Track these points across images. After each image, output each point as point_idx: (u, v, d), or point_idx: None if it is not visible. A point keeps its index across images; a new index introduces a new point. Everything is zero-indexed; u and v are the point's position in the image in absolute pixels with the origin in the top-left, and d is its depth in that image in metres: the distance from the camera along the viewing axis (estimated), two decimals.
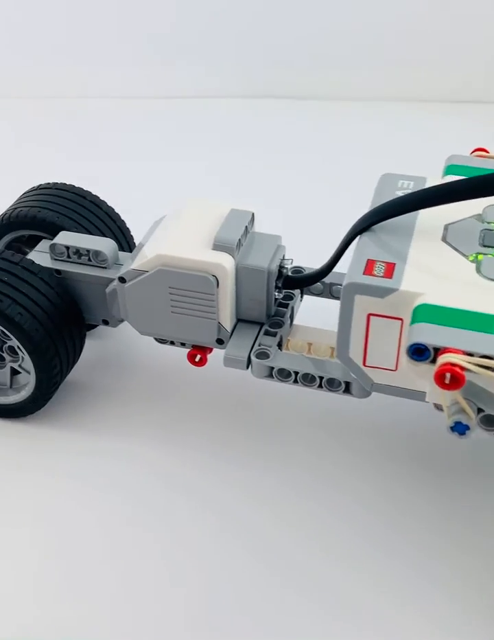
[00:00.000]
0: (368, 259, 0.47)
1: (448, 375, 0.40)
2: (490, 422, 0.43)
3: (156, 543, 0.53)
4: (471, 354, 0.40)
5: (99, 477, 0.57)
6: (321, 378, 0.53)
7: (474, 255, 0.47)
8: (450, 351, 0.40)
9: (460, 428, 0.42)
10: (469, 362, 0.40)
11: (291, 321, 0.59)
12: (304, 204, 0.88)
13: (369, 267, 0.47)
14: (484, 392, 0.43)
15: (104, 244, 0.58)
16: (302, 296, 0.61)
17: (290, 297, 0.59)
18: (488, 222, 0.50)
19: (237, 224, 0.54)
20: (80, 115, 1.10)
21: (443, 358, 0.40)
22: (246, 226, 0.54)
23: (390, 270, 0.46)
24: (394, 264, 0.47)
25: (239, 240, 0.53)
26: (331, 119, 1.09)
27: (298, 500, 0.56)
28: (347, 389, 0.53)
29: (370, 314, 0.47)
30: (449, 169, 0.56)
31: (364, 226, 0.50)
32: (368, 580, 0.51)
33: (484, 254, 0.47)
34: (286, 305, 0.58)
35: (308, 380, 0.54)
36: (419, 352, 0.41)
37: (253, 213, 0.55)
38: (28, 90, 1.13)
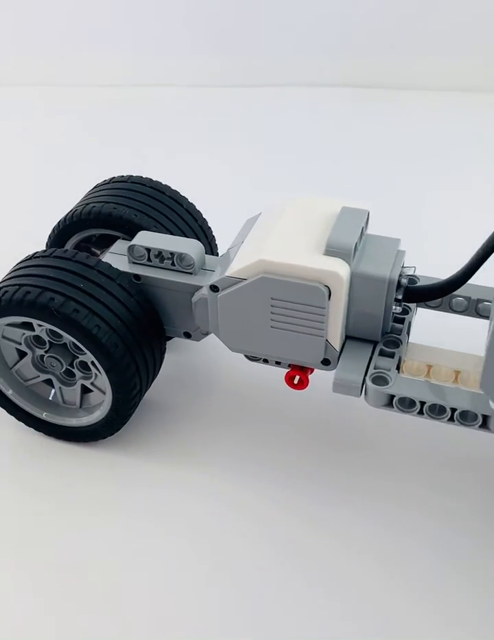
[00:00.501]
0: None
1: None
2: None
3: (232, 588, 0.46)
4: None
5: (174, 515, 0.50)
6: (454, 410, 0.45)
7: None
8: None
9: None
10: None
11: (407, 338, 0.51)
12: (415, 201, 0.79)
13: None
14: None
15: (190, 246, 0.50)
16: (416, 310, 0.53)
17: (406, 311, 0.50)
18: None
19: (352, 224, 0.45)
20: (143, 104, 1.03)
21: None
22: (362, 228, 0.46)
23: None
24: None
25: (356, 243, 0.45)
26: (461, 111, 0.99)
27: (385, 540, 0.48)
28: (484, 424, 0.44)
29: None
30: None
31: None
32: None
33: None
34: (402, 321, 0.50)
35: (436, 412, 0.45)
36: None
37: (368, 212, 0.47)
38: (86, 78, 1.06)
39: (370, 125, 0.95)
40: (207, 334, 0.52)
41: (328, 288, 0.44)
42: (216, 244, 0.60)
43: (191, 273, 0.50)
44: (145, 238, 0.51)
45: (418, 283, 0.51)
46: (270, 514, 0.50)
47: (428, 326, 0.54)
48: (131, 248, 0.51)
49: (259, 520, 0.50)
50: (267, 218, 0.49)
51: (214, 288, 0.47)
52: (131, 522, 0.49)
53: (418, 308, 0.53)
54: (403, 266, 0.47)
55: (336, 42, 1.05)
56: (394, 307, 0.47)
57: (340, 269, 0.44)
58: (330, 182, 0.81)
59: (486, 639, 0.43)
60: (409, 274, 0.52)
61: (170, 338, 0.59)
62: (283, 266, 0.44)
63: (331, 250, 0.44)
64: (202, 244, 0.51)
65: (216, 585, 0.46)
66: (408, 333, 0.50)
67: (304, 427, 0.55)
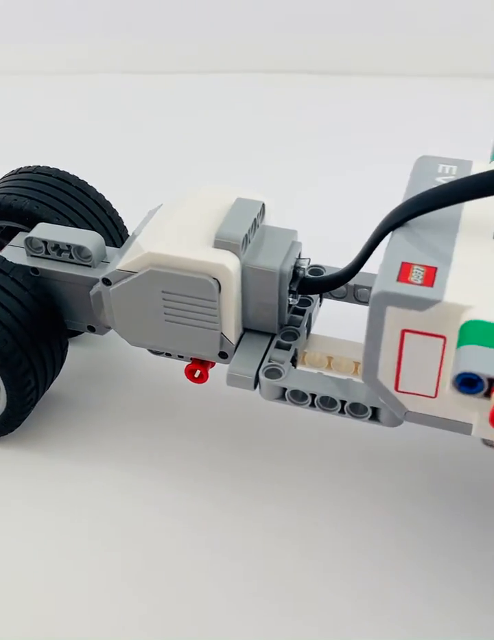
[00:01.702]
0: (403, 262, 0.38)
1: None
2: None
3: (155, 576, 0.46)
4: None
5: (84, 507, 0.49)
6: (343, 402, 0.44)
7: None
8: None
9: None
10: None
11: (309, 330, 0.50)
12: (325, 192, 0.78)
13: (404, 272, 0.38)
14: None
15: (88, 238, 0.49)
16: (321, 301, 0.52)
17: (307, 302, 0.50)
18: None
19: (244, 216, 0.45)
20: (68, 92, 1.00)
21: None
22: (255, 219, 0.45)
23: (430, 276, 0.37)
24: (436, 268, 0.37)
25: (246, 235, 0.44)
26: (355, 94, 0.99)
27: (298, 525, 0.48)
28: (374, 416, 0.44)
29: (404, 330, 0.38)
30: None
31: (398, 220, 0.41)
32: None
33: None
34: (302, 312, 0.49)
35: (327, 404, 0.45)
36: (469, 383, 0.32)
37: (264, 204, 0.47)
38: (7, 65, 1.03)
39: (294, 111, 0.95)
40: (110, 327, 0.52)
41: (217, 280, 0.44)
42: (128, 235, 0.59)
43: (89, 266, 0.49)
44: (43, 230, 0.50)
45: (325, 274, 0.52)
46: (178, 504, 0.50)
47: (334, 317, 0.54)
48: (28, 241, 0.50)
49: (167, 511, 0.49)
50: (166, 209, 0.49)
51: (106, 281, 0.46)
52: (31, 517, 0.49)
53: (324, 299, 0.53)
54: (298, 258, 0.47)
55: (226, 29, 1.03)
56: (290, 298, 0.47)
57: (228, 262, 0.43)
58: (252, 171, 0.80)
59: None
60: (312, 266, 0.52)
61: (78, 333, 0.59)
62: (171, 259, 0.44)
63: (220, 243, 0.44)
64: (100, 236, 0.50)
65: (122, 576, 0.46)
66: (309, 325, 0.50)
67: (211, 419, 0.55)
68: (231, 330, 0.46)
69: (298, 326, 0.48)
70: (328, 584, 0.46)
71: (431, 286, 0.37)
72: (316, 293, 0.49)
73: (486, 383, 0.32)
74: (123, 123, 0.93)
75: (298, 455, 0.53)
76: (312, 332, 0.51)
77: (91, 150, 0.84)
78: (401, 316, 0.37)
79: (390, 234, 0.41)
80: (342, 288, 0.51)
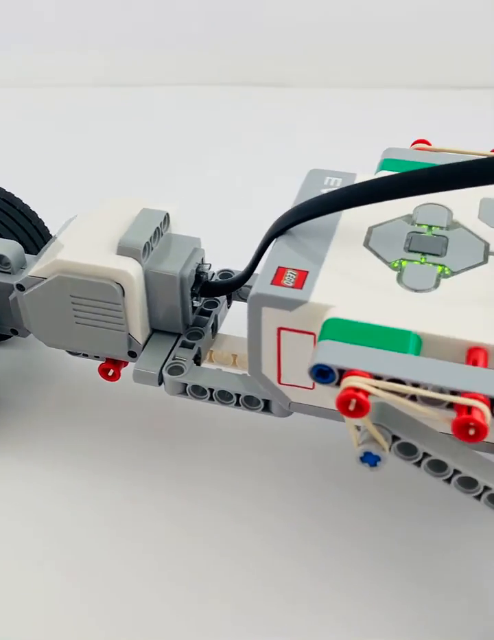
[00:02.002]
0: (279, 267, 0.42)
1: (353, 401, 0.35)
2: (407, 451, 0.39)
3: (90, 576, 0.49)
4: (378, 377, 0.36)
5: (19, 506, 0.53)
6: (238, 395, 0.48)
7: (397, 261, 0.42)
8: (355, 374, 0.36)
9: (370, 459, 0.37)
10: (375, 387, 0.35)
11: (215, 330, 0.54)
12: (238, 202, 0.82)
13: (278, 276, 0.41)
14: (400, 416, 0.39)
15: (6, 247, 0.52)
16: (229, 303, 0.56)
17: (214, 304, 0.54)
18: (419, 224, 0.45)
19: (147, 225, 0.49)
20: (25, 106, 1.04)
21: (346, 382, 0.35)
22: (157, 228, 0.49)
23: (301, 279, 0.41)
24: (307, 272, 0.42)
25: (147, 243, 0.48)
26: (265, 105, 1.02)
27: (205, 517, 0.52)
28: (267, 408, 0.48)
29: (280, 328, 0.42)
30: (384, 164, 0.51)
31: (281, 228, 0.45)
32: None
33: (409, 260, 0.42)
34: (209, 314, 0.53)
35: (225, 397, 0.49)
36: (323, 374, 0.36)
37: (167, 214, 0.50)
38: None
39: (210, 123, 0.99)
40: None
41: (120, 285, 0.47)
42: None
43: (9, 273, 0.53)
44: None
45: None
46: (105, 497, 0.53)
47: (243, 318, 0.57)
48: None
49: (95, 504, 0.53)
50: (79, 219, 0.52)
51: (20, 287, 0.50)
52: None
53: (233, 301, 0.57)
54: (201, 263, 0.51)
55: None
56: (193, 301, 0.51)
57: (130, 268, 0.47)
58: (175, 182, 0.85)
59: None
60: (223, 270, 0.56)
61: (4, 337, 0.62)
62: (78, 266, 0.47)
63: (123, 250, 0.48)
64: (19, 245, 0.53)
65: (57, 575, 0.49)
66: (216, 325, 0.54)
67: (133, 416, 0.59)
68: (138, 331, 0.50)
69: (203, 326, 0.52)
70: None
71: (301, 288, 0.41)
72: (217, 296, 0.52)
73: (336, 373, 0.36)
74: (51, 137, 0.96)
75: (215, 453, 0.56)
76: (220, 331, 0.55)
77: (19, 162, 0.87)
78: (275, 315, 0.41)
79: (274, 240, 0.45)
80: (249, 289, 0.55)
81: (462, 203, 0.46)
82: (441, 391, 0.34)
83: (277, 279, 0.41)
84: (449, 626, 0.46)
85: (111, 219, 0.51)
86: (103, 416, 0.59)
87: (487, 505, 0.38)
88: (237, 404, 0.48)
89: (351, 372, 0.35)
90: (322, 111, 1.02)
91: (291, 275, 0.42)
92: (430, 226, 0.44)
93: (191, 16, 1.06)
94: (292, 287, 0.41)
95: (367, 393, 0.35)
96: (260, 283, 0.41)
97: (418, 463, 0.38)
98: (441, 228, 0.44)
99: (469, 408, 0.34)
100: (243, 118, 0.99)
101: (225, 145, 0.93)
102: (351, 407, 0.35)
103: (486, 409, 0.34)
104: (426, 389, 0.35)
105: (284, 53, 1.07)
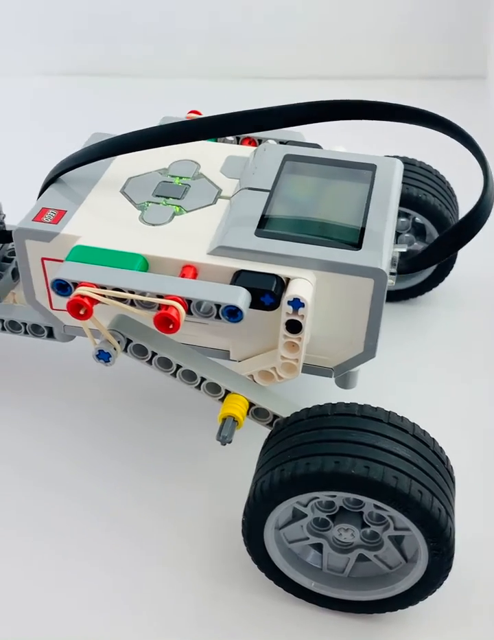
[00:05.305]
0: (43, 208, 0.50)
1: (82, 307, 0.43)
2: (140, 351, 0.48)
3: None
4: (104, 288, 0.44)
5: None
6: (25, 324, 0.56)
7: (145, 203, 0.51)
8: (85, 285, 0.44)
9: (103, 356, 0.46)
10: (98, 294, 0.44)
11: (16, 275, 0.61)
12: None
13: (40, 214, 0.50)
14: (134, 324, 0.48)
15: None
16: None
17: None
18: (171, 175, 0.54)
19: None
20: None
21: (77, 291, 0.44)
22: None
23: (59, 216, 0.50)
24: (65, 211, 0.50)
25: None
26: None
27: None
28: (51, 334, 0.56)
29: (43, 259, 0.50)
30: None
31: (53, 176, 0.53)
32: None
33: (153, 203, 0.51)
34: (10, 260, 0.61)
35: (15, 327, 0.56)
36: (62, 288, 0.45)
37: None
38: None
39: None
40: None
41: None
42: None
43: None
44: None
45: None
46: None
47: None
48: None
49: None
50: None
51: None
52: None
53: None
54: None
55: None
56: None
57: None
58: None
59: None
60: None
61: None
62: None
63: None
64: None
65: None
66: (16, 270, 0.61)
67: None
68: None
69: (4, 271, 0.60)
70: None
71: (57, 223, 0.49)
72: (10, 241, 0.60)
73: (72, 287, 0.45)
74: None
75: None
76: None
77: None
78: (37, 247, 0.49)
79: (47, 188, 0.53)
80: None
81: (210, 159, 0.55)
82: (149, 295, 0.43)
83: (39, 216, 0.49)
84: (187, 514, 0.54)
85: None
86: None
87: (206, 393, 0.48)
88: (25, 332, 0.56)
89: (82, 284, 0.44)
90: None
91: (51, 213, 0.50)
92: (179, 177, 0.54)
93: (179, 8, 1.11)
94: (50, 222, 0.49)
95: (92, 300, 0.43)
96: (24, 220, 0.49)
97: (150, 362, 0.48)
98: (188, 178, 0.54)
99: (168, 307, 0.43)
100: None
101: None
102: (81, 311, 0.43)
103: (180, 307, 0.43)
104: (142, 295, 0.44)
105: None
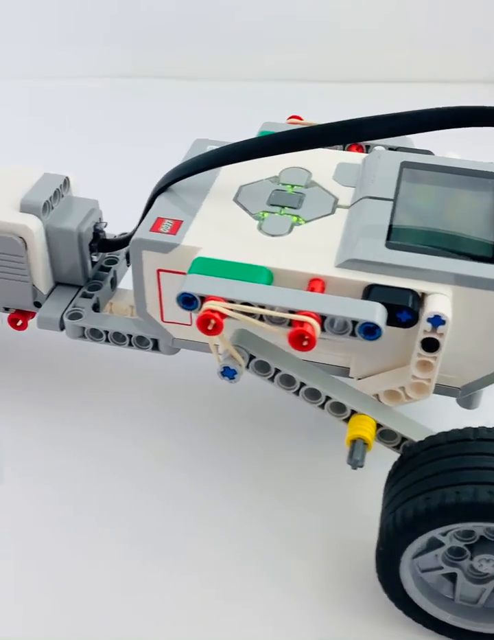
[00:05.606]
0: (158, 217, 0.49)
1: (212, 321, 0.42)
2: (262, 368, 0.46)
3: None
4: (232, 302, 0.42)
5: None
6: (130, 336, 0.54)
7: (260, 213, 0.49)
8: (213, 299, 0.42)
9: (228, 373, 0.44)
10: (229, 309, 0.42)
11: (114, 284, 0.60)
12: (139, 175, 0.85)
13: (157, 224, 0.48)
14: (256, 339, 0.46)
15: None
16: (128, 262, 0.62)
17: (114, 261, 0.60)
18: (282, 183, 0.52)
19: (47, 187, 0.55)
20: None
21: (205, 305, 0.42)
22: (57, 190, 0.55)
23: (176, 227, 0.48)
24: (182, 221, 0.48)
25: (47, 201, 0.54)
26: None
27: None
28: (156, 346, 0.55)
29: (159, 270, 0.48)
30: (262, 135, 0.58)
31: (163, 185, 0.51)
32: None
33: (270, 212, 0.49)
34: (108, 269, 0.60)
35: (119, 338, 0.55)
36: (188, 301, 0.43)
37: (67, 177, 0.56)
38: None
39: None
40: None
41: (22, 239, 0.53)
42: None
43: None
44: None
45: None
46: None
47: None
48: None
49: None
50: None
51: None
52: None
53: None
54: (98, 222, 0.57)
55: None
56: (92, 256, 0.57)
57: (31, 223, 0.53)
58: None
59: None
60: (123, 234, 0.62)
61: None
62: None
63: (25, 207, 0.53)
64: None
65: None
66: (115, 280, 0.60)
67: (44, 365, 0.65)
68: (41, 283, 0.56)
69: (103, 280, 0.58)
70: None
71: (175, 234, 0.47)
72: (113, 250, 0.58)
73: (199, 301, 0.43)
74: None
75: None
76: (120, 286, 0.61)
77: None
78: (154, 258, 0.47)
79: (157, 197, 0.52)
80: None
81: (321, 166, 0.53)
82: (282, 310, 0.41)
83: (155, 227, 0.48)
84: (299, 534, 0.53)
85: (13, 182, 0.56)
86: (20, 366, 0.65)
87: (330, 413, 0.46)
88: (130, 344, 0.55)
89: (209, 298, 0.42)
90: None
91: (167, 223, 0.48)
92: (292, 185, 0.52)
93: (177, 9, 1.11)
94: (168, 233, 0.47)
95: (222, 315, 0.42)
96: (141, 230, 0.48)
97: (272, 379, 0.46)
98: (300, 187, 0.52)
99: (302, 323, 0.41)
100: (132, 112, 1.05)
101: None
102: (210, 327, 0.42)
103: (316, 324, 0.41)
104: (272, 309, 0.42)
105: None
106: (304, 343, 0.41)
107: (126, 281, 0.62)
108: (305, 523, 0.53)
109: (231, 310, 0.42)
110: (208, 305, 0.42)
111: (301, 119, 0.62)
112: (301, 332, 0.40)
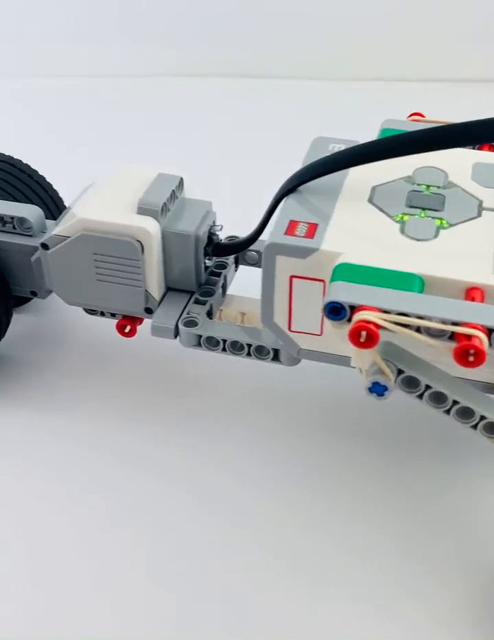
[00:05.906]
0: (291, 220, 0.45)
1: (364, 333, 0.39)
2: (410, 384, 0.42)
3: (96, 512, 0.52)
4: (386, 312, 0.39)
5: (27, 456, 0.56)
6: (249, 345, 0.51)
7: (400, 215, 0.46)
8: (365, 309, 0.39)
9: (377, 389, 0.41)
10: (384, 319, 0.38)
11: (224, 290, 0.57)
12: (248, 176, 0.85)
13: (291, 228, 0.45)
14: (404, 352, 0.42)
15: (28, 211, 0.55)
16: (237, 266, 0.59)
17: (223, 266, 0.57)
18: (418, 184, 0.49)
19: (163, 188, 0.52)
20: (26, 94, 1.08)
21: (358, 316, 0.39)
22: (173, 191, 0.52)
23: (312, 230, 0.45)
24: (317, 224, 0.45)
25: (165, 203, 0.51)
26: (267, 96, 1.07)
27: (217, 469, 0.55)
28: (276, 357, 0.51)
29: (292, 276, 0.45)
30: (384, 133, 0.55)
31: (290, 187, 0.48)
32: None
33: (410, 215, 0.46)
34: (219, 274, 0.57)
35: (237, 348, 0.52)
36: (335, 311, 0.40)
37: (182, 178, 0.54)
38: None
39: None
40: (51, 291, 0.58)
41: (140, 242, 0.51)
42: None
43: (30, 235, 0.56)
44: None
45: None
46: (129, 445, 0.56)
47: (249, 281, 0.60)
48: None
49: (121, 453, 0.56)
50: (97, 184, 0.55)
51: (44, 246, 0.53)
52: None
53: (240, 265, 0.60)
54: (212, 225, 0.54)
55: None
56: (206, 260, 0.54)
57: (149, 226, 0.50)
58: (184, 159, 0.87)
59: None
60: (231, 236, 0.59)
61: (27, 300, 0.65)
62: (100, 224, 0.51)
63: (143, 209, 0.51)
64: (40, 209, 0.57)
65: (85, 522, 0.52)
66: (225, 285, 0.57)
67: (149, 371, 0.62)
68: (154, 288, 0.53)
69: (214, 286, 0.55)
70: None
71: (312, 238, 0.44)
72: (228, 255, 0.56)
73: (348, 310, 0.40)
74: (64, 119, 1.01)
75: (222, 409, 0.60)
76: (228, 292, 0.58)
77: (37, 140, 0.91)
78: (289, 264, 0.44)
79: (284, 200, 0.49)
80: (255, 255, 0.59)
81: (457, 166, 0.50)
82: (443, 322, 0.38)
83: (290, 230, 0.45)
84: (438, 556, 0.49)
85: (128, 183, 0.54)
86: (116, 376, 0.62)
87: (483, 434, 0.42)
88: (248, 354, 0.52)
89: (362, 307, 0.39)
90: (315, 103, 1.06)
91: (302, 227, 0.45)
92: (428, 186, 0.48)
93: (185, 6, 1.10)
94: (304, 237, 0.44)
95: (377, 326, 0.38)
96: (274, 233, 0.45)
97: (421, 396, 0.42)
98: (438, 187, 0.48)
99: (469, 337, 0.37)
100: (241, 110, 1.03)
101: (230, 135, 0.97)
102: (362, 339, 0.38)
103: (484, 337, 0.37)
104: (430, 321, 0.38)
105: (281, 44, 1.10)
106: (470, 359, 0.37)
107: (234, 287, 0.60)
108: (437, 544, 0.49)
109: (386, 320, 0.39)
110: (361, 315, 0.39)
111: (423, 116, 0.58)
112: (470, 346, 0.37)
